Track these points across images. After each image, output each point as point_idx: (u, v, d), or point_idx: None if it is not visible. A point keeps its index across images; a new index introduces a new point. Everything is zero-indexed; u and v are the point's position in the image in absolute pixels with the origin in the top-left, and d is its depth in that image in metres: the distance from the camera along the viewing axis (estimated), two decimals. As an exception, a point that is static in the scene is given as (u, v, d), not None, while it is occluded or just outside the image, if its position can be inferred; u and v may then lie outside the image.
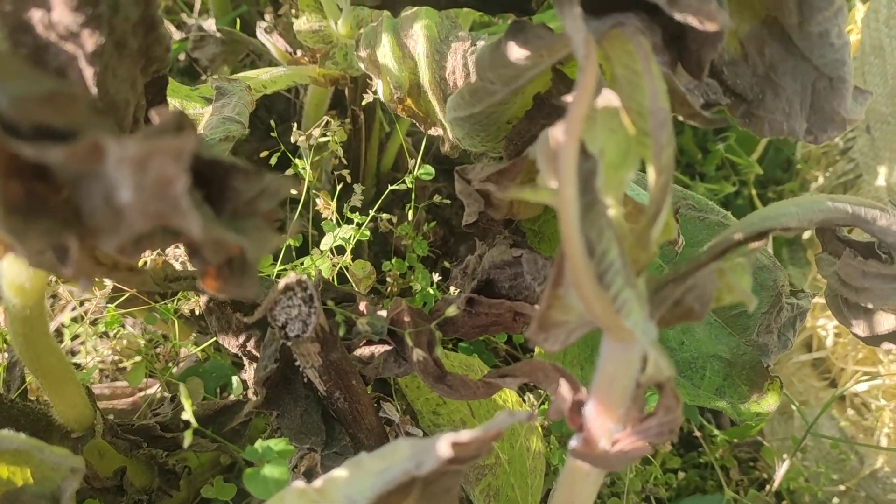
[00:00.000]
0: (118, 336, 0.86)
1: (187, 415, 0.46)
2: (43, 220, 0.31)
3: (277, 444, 0.50)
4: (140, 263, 0.57)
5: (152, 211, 0.30)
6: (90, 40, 0.38)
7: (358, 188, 0.81)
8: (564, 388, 0.46)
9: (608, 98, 0.43)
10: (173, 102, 0.69)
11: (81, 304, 0.94)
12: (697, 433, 1.00)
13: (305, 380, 0.60)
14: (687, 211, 0.72)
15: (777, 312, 0.66)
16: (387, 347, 0.62)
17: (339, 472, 0.43)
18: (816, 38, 0.47)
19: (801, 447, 1.06)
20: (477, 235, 0.65)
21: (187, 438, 0.46)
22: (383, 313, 0.59)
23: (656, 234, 0.40)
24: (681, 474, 0.98)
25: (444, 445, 0.38)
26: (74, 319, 0.97)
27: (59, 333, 1.03)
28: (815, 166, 1.21)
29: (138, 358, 0.88)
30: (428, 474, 0.40)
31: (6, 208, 0.29)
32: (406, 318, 0.59)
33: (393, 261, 0.91)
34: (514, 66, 0.48)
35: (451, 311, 0.57)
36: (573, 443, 0.44)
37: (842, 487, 1.05)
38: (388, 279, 0.93)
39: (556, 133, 0.38)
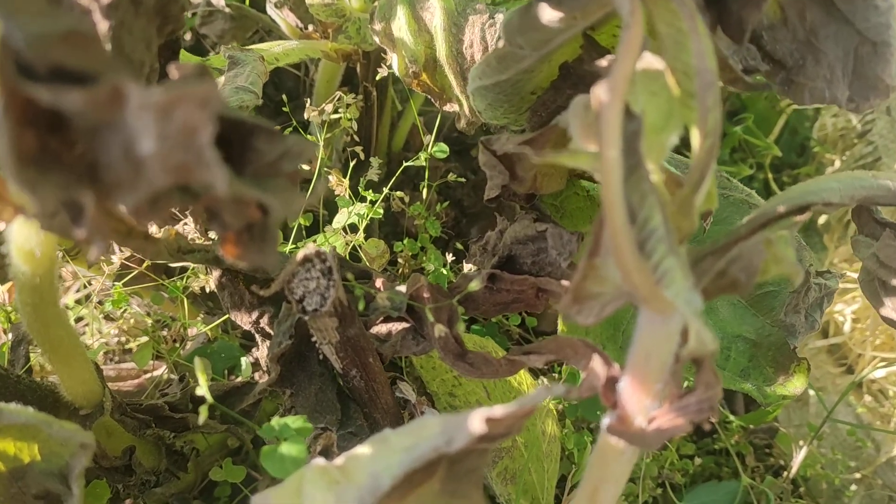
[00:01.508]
0: (124, 316, 0.85)
1: (202, 390, 0.45)
2: (57, 174, 0.29)
3: (295, 421, 0.48)
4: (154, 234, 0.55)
5: (174, 163, 0.28)
6: (106, -9, 0.36)
7: (375, 161, 0.78)
8: (598, 363, 0.44)
9: (648, 60, 0.40)
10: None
11: (87, 284, 0.92)
12: (712, 419, 0.98)
13: (321, 357, 0.58)
14: (711, 188, 0.70)
15: (805, 292, 0.64)
16: (405, 325, 0.60)
17: (363, 449, 0.41)
18: (860, 1, 0.45)
19: (818, 434, 1.05)
20: (497, 211, 0.63)
21: (202, 414, 0.44)
22: (402, 289, 0.57)
23: (700, 201, 0.39)
24: (697, 460, 0.96)
25: (476, 421, 0.37)
26: (79, 301, 0.95)
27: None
28: (832, 149, 1.19)
29: (145, 339, 0.86)
30: (456, 452, 0.39)
31: (20, 160, 0.27)
32: (426, 294, 0.57)
33: (405, 241, 0.89)
34: (545, 29, 0.46)
35: (475, 285, 0.55)
36: (607, 420, 0.42)
37: (858, 475, 1.03)
38: (400, 260, 0.91)
39: (599, 92, 0.36)
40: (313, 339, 0.55)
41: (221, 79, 0.63)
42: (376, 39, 0.77)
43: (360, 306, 0.53)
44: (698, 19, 0.38)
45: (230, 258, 0.36)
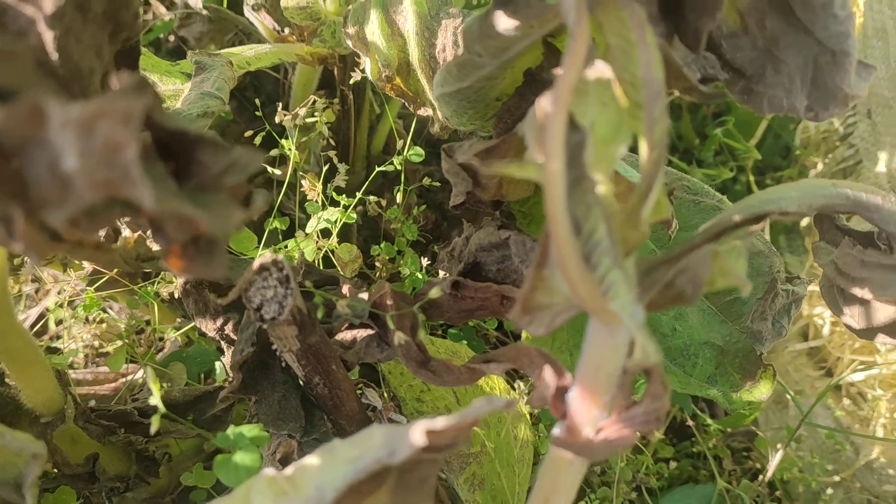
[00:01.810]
0: (98, 320, 0.84)
1: (155, 400, 0.44)
2: (-13, 189, 0.29)
3: (251, 430, 0.48)
4: (113, 241, 0.54)
5: (101, 179, 0.27)
6: (49, 2, 0.35)
7: (342, 168, 0.78)
8: (548, 373, 0.44)
9: (601, 69, 0.40)
10: (152, 77, 0.66)
11: (62, 290, 0.92)
12: (690, 422, 0.98)
13: (284, 364, 0.58)
14: (682, 194, 0.70)
15: (772, 298, 0.64)
16: (369, 331, 0.60)
17: (312, 460, 0.41)
18: (819, 9, 0.45)
19: (795, 437, 1.05)
20: (464, 217, 0.63)
21: (154, 424, 0.44)
22: (365, 296, 0.57)
23: (647, 212, 0.38)
24: (673, 464, 0.96)
25: (417, 433, 0.36)
26: (61, 305, 0.94)
27: (42, 318, 1.01)
28: (815, 152, 1.19)
29: (120, 343, 0.86)
30: (402, 463, 0.38)
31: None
32: (389, 301, 0.57)
33: (382, 245, 0.89)
34: (502, 37, 0.46)
35: (434, 293, 0.55)
36: (556, 431, 0.42)
37: (837, 478, 1.03)
38: (377, 264, 0.91)
39: (544, 103, 0.36)
40: (275, 347, 0.55)
41: (188, 84, 0.63)
42: (349, 43, 0.77)
43: (320, 314, 0.53)
44: (647, 30, 0.37)
45: (175, 271, 0.36)
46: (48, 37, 0.38)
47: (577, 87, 0.38)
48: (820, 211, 0.48)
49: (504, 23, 0.45)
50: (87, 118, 0.26)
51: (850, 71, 0.45)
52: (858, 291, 0.50)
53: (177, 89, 0.66)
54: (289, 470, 0.41)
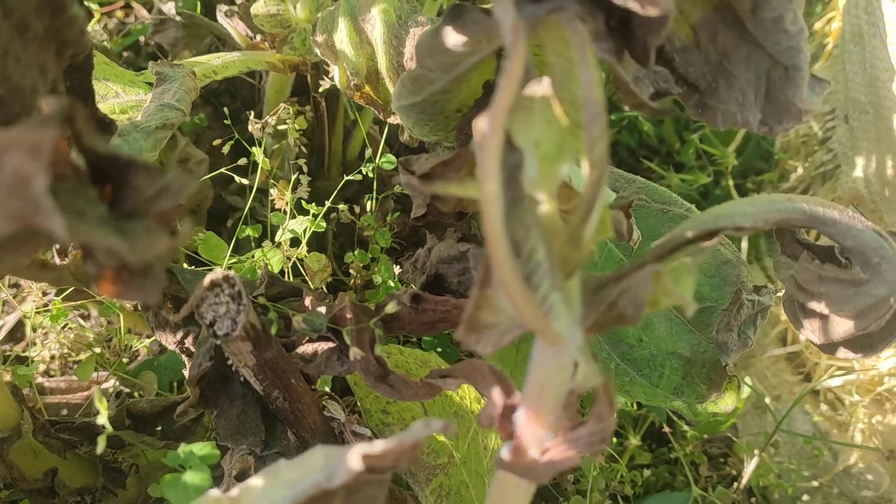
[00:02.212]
0: (67, 329, 0.84)
1: (102, 419, 0.44)
2: None
3: (201, 448, 0.47)
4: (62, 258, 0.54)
5: (13, 210, 0.27)
6: (-22, 22, 0.35)
7: (304, 179, 0.78)
8: (496, 392, 0.43)
9: (546, 87, 0.40)
10: (115, 88, 0.66)
11: (44, 294, 0.91)
12: (667, 429, 0.98)
13: (242, 379, 0.57)
14: (650, 202, 0.70)
15: (737, 309, 0.64)
16: (330, 345, 0.60)
17: (256, 481, 0.41)
18: (770, 24, 0.44)
19: (773, 443, 1.05)
20: (427, 229, 0.63)
21: (100, 444, 0.43)
22: (324, 310, 0.57)
23: (589, 232, 0.38)
24: (649, 471, 0.96)
25: (354, 457, 0.36)
26: (38, 312, 0.94)
27: (20, 327, 1.01)
28: (795, 156, 1.19)
29: (89, 352, 0.85)
30: (345, 485, 0.38)
31: None
32: (349, 315, 0.57)
33: (356, 252, 0.89)
34: (451, 52, 0.46)
35: (391, 307, 0.54)
36: (503, 452, 0.41)
37: (815, 483, 1.03)
38: (352, 271, 0.91)
39: (481, 124, 0.35)
40: (230, 362, 0.54)
41: (149, 95, 0.62)
42: (318, 52, 0.76)
43: (275, 329, 0.53)
44: (588, 49, 0.37)
45: (106, 296, 0.35)
46: (-17, 56, 0.38)
47: (521, 103, 0.38)
48: (777, 225, 0.48)
49: (453, 38, 0.44)
50: (-7, 150, 0.25)
51: (802, 86, 0.45)
52: (817, 306, 0.50)
53: (139, 99, 0.66)
54: (234, 491, 0.41)
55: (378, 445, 0.36)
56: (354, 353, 0.53)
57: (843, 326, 0.49)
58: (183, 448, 0.47)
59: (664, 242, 0.46)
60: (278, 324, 0.54)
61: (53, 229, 0.27)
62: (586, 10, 0.41)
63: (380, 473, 0.39)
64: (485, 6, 0.45)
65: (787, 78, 0.46)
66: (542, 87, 0.40)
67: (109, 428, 0.44)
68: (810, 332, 0.52)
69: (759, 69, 0.46)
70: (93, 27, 1.17)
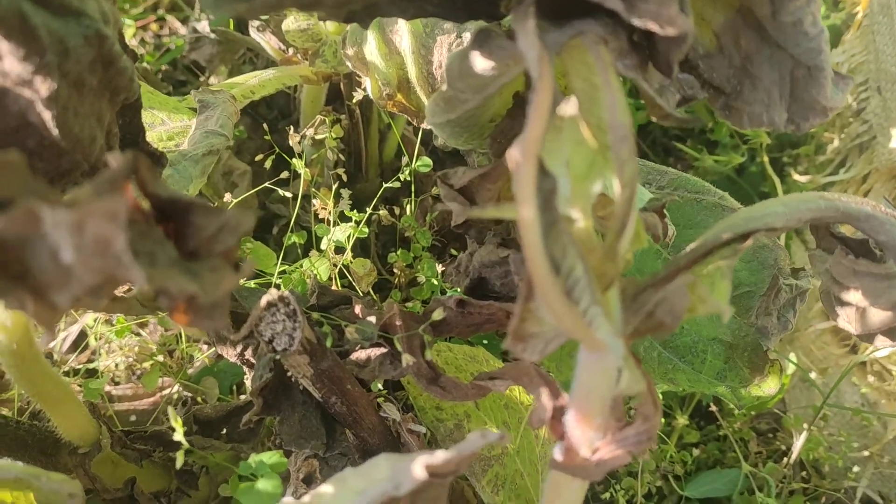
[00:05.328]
0: (131, 342, 0.88)
1: (178, 436, 0.47)
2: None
3: (271, 457, 0.51)
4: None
5: (97, 267, 0.30)
6: (43, 86, 0.38)
7: (346, 193, 0.81)
8: (545, 395, 0.46)
9: (574, 107, 0.42)
10: (160, 115, 0.69)
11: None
12: (714, 407, 0.99)
13: (301, 387, 0.60)
14: (683, 193, 0.71)
15: (776, 294, 0.65)
16: (382, 350, 0.62)
17: (326, 488, 0.44)
18: (790, 27, 0.45)
19: (821, 415, 1.05)
20: (467, 234, 0.65)
21: (179, 459, 0.47)
22: (374, 319, 0.60)
23: (624, 247, 0.40)
24: (698, 449, 0.97)
25: (419, 468, 0.39)
26: (97, 321, 0.98)
27: (84, 336, 1.06)
28: (831, 128, 1.18)
29: (153, 361, 0.89)
30: (411, 490, 0.41)
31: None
32: (398, 323, 0.59)
33: (398, 252, 0.91)
34: (481, 76, 0.47)
35: (438, 314, 0.57)
36: (556, 452, 0.44)
37: (865, 453, 1.04)
38: (396, 270, 0.94)
39: (514, 153, 0.37)
40: (289, 372, 0.58)
41: (193, 121, 0.66)
42: (349, 64, 0.79)
43: (329, 343, 0.56)
44: (612, 74, 0.39)
45: (181, 325, 0.39)
46: (47, 115, 0.41)
47: (550, 124, 0.40)
48: (809, 223, 0.49)
49: (481, 63, 0.46)
50: (78, 220, 0.28)
51: (825, 84, 0.46)
52: (853, 298, 0.51)
53: (184, 125, 0.69)
54: (306, 498, 0.44)
55: (439, 456, 0.39)
56: (406, 359, 0.56)
57: (878, 317, 0.50)
58: (254, 458, 0.51)
59: (698, 246, 0.48)
60: (332, 335, 0.57)
61: (134, 280, 0.30)
62: (608, 31, 0.43)
63: (441, 478, 0.41)
64: (510, 30, 0.47)
65: (810, 77, 0.47)
66: (569, 108, 0.42)
67: (185, 444, 0.47)
68: (847, 322, 0.53)
69: (782, 69, 0.48)
70: (129, 40, 1.21)
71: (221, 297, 0.34)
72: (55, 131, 0.41)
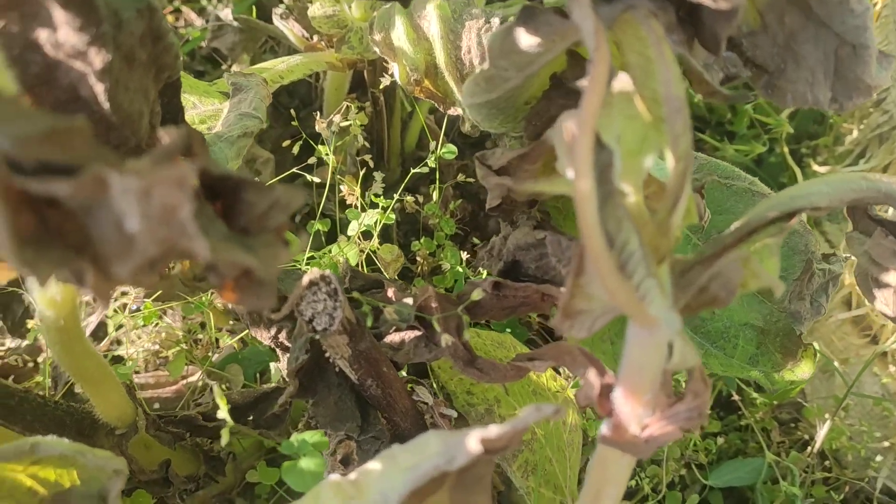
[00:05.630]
0: (157, 328, 0.88)
1: (223, 413, 0.48)
2: (55, 249, 0.31)
3: (312, 436, 0.51)
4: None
5: (161, 237, 0.30)
6: (97, 58, 0.38)
7: (378, 176, 0.81)
8: (591, 374, 0.46)
9: (625, 82, 0.42)
10: (192, 99, 0.69)
11: (123, 294, 0.96)
12: (736, 396, 0.99)
13: (337, 369, 0.60)
14: (714, 178, 0.71)
15: (808, 279, 0.65)
16: (416, 333, 0.62)
17: (374, 465, 0.44)
18: (835, 4, 0.45)
19: (843, 406, 1.05)
20: (501, 217, 0.65)
21: (224, 437, 0.47)
22: (409, 300, 0.60)
23: (677, 221, 0.40)
24: (721, 438, 0.97)
25: (473, 442, 0.39)
26: (116, 310, 0.99)
27: (103, 325, 1.06)
28: (850, 119, 1.18)
29: (178, 348, 0.90)
30: (463, 465, 0.41)
31: (18, 242, 0.30)
32: (433, 304, 0.59)
33: (422, 240, 0.92)
34: (525, 53, 0.48)
35: (476, 294, 0.57)
36: (603, 428, 0.44)
37: (886, 444, 1.04)
38: (419, 258, 0.94)
39: (570, 126, 0.37)
40: (327, 354, 0.58)
41: (227, 104, 0.66)
42: (377, 50, 0.79)
43: (369, 322, 0.56)
44: (665, 47, 0.39)
45: (229, 302, 0.39)
46: (99, 89, 0.41)
47: (600, 106, 0.40)
48: (852, 204, 0.49)
49: (526, 40, 0.46)
50: (145, 187, 0.28)
51: (870, 62, 0.46)
52: (891, 280, 0.51)
53: (216, 109, 0.69)
54: (352, 475, 0.44)
55: (493, 430, 0.39)
56: (445, 339, 0.56)
57: (918, 298, 0.50)
58: (296, 437, 0.51)
59: (742, 225, 0.48)
60: (371, 315, 0.57)
61: (197, 251, 0.30)
62: (658, 6, 0.43)
63: (493, 454, 0.41)
64: (556, 6, 0.47)
65: (855, 55, 0.47)
66: (620, 83, 0.42)
67: (230, 422, 0.48)
68: (883, 304, 0.53)
69: (826, 48, 0.47)
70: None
71: (276, 272, 0.34)
72: (106, 105, 0.41)
